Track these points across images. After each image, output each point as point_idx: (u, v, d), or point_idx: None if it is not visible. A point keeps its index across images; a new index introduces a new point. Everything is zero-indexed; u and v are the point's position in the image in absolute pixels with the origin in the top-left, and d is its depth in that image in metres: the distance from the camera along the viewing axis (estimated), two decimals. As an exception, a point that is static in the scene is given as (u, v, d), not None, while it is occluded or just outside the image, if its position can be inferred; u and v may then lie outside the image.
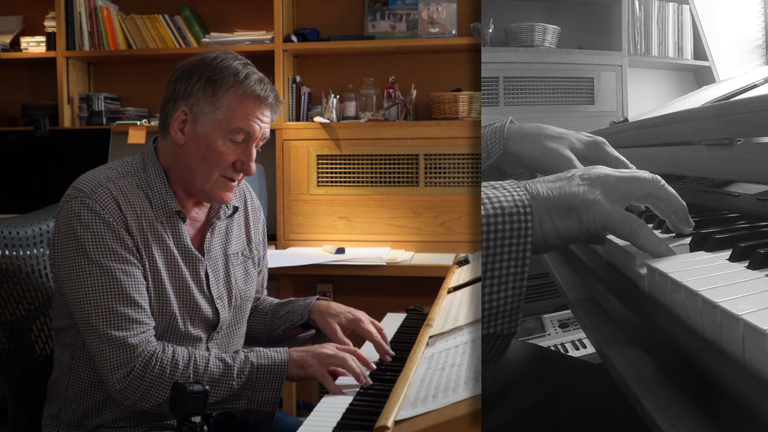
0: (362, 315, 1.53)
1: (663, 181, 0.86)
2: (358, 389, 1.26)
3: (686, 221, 0.89)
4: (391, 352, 1.45)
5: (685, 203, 0.88)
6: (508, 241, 0.74)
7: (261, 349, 1.35)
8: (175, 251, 1.39)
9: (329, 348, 1.35)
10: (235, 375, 1.30)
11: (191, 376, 1.29)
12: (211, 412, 1.45)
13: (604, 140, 1.12)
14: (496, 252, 0.74)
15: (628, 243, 0.88)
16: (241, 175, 1.41)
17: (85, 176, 1.37)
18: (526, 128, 1.12)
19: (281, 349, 1.35)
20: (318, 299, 1.59)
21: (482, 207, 0.73)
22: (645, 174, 0.86)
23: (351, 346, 1.38)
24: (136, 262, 1.33)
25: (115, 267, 1.30)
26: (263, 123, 1.39)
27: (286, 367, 1.31)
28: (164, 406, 1.29)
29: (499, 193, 0.76)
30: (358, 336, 1.52)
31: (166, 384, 1.28)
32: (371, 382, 1.28)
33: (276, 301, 1.68)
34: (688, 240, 0.89)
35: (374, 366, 1.33)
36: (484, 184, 0.78)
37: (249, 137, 1.38)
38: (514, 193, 0.77)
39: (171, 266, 1.38)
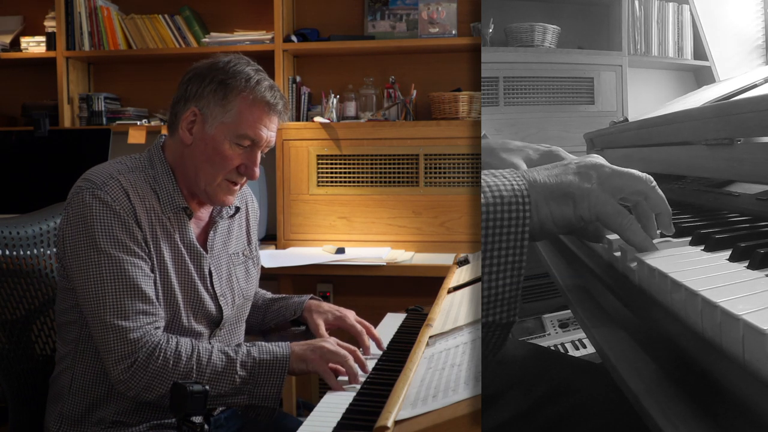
0: (349, 312, 1.58)
1: (654, 182, 0.87)
2: (358, 389, 1.26)
3: (669, 225, 0.90)
4: (371, 346, 1.49)
5: (670, 208, 0.89)
6: (506, 229, 0.75)
7: (263, 343, 1.36)
8: (181, 246, 1.41)
9: (331, 344, 1.36)
10: (237, 368, 1.31)
11: (194, 367, 1.30)
12: (213, 408, 1.45)
13: (559, 149, 1.14)
14: (495, 240, 0.74)
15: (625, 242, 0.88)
16: (244, 179, 1.43)
17: (96, 169, 1.39)
18: (491, 143, 1.14)
19: (283, 343, 1.36)
20: (311, 298, 1.63)
21: (482, 195, 0.74)
22: (638, 172, 0.87)
23: (350, 346, 1.39)
24: (144, 255, 1.34)
25: (124, 258, 1.31)
26: (270, 130, 1.41)
27: (288, 362, 1.33)
28: (168, 398, 1.29)
29: (498, 181, 0.77)
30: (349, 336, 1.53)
31: (170, 375, 1.29)
32: (360, 382, 1.30)
33: (269, 295, 1.71)
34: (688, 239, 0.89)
35: (369, 369, 1.35)
36: (484, 171, 0.79)
37: (255, 143, 1.40)
38: (513, 182, 0.78)
39: (177, 261, 1.40)
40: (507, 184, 0.77)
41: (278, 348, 1.35)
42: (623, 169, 0.86)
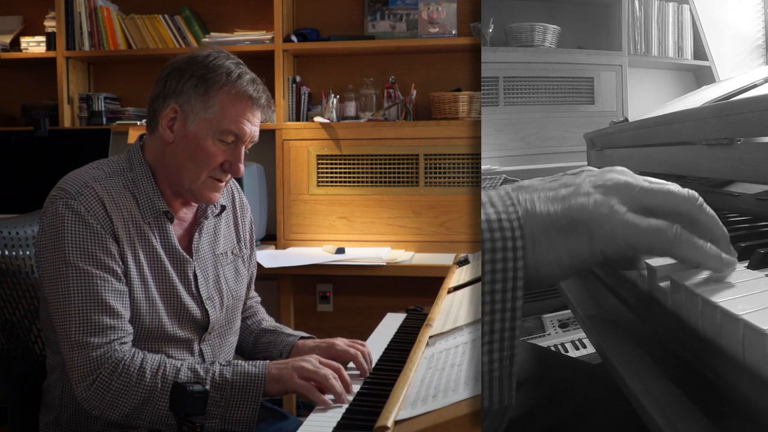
0: (337, 339, 1.46)
1: (701, 200, 0.65)
2: (358, 387, 1.26)
3: (727, 252, 0.66)
4: (368, 370, 1.38)
5: (726, 230, 0.67)
6: (499, 285, 0.57)
7: (239, 362, 1.30)
8: (162, 253, 1.36)
9: (310, 363, 1.28)
10: (207, 388, 1.22)
11: (158, 385, 1.24)
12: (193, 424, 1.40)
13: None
14: (489, 298, 0.57)
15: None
16: (229, 175, 1.40)
17: (71, 176, 1.34)
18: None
19: (260, 363, 1.30)
20: (301, 338, 1.54)
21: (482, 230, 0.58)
22: (678, 188, 0.65)
23: (334, 363, 1.31)
24: (116, 267, 1.29)
25: (94, 272, 1.26)
26: (253, 125, 1.38)
27: (263, 384, 1.26)
28: (133, 417, 1.25)
29: (490, 210, 0.58)
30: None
31: (132, 393, 1.24)
32: (348, 400, 1.23)
33: (265, 323, 1.64)
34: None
35: (353, 390, 1.27)
36: (484, 193, 0.61)
37: (238, 139, 1.36)
38: (501, 209, 0.58)
39: (157, 268, 1.35)
40: (493, 214, 0.58)
41: (254, 368, 1.28)
42: (657, 184, 0.64)
